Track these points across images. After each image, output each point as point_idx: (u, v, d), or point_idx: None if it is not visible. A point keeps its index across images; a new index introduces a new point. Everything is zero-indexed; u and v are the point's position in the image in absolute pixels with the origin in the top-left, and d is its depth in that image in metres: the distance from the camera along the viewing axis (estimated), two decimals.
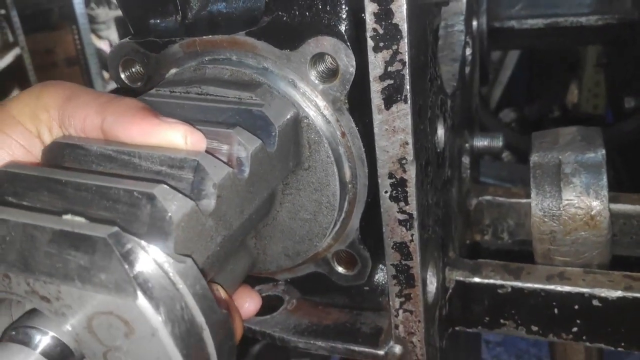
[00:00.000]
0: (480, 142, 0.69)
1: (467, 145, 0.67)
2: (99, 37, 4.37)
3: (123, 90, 0.48)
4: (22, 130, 0.38)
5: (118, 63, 0.46)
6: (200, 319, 0.29)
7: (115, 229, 0.27)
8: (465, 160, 0.67)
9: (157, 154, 0.33)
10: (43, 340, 0.29)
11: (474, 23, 0.67)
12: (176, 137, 0.35)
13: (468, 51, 0.65)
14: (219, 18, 0.47)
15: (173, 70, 0.44)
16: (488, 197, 0.66)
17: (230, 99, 0.39)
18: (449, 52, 0.60)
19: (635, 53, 1.04)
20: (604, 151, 0.53)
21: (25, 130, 0.38)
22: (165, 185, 0.30)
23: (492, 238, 0.67)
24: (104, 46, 4.34)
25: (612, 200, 0.63)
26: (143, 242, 0.28)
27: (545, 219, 0.53)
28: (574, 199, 0.52)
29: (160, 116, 0.37)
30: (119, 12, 4.51)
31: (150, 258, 0.28)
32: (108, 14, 4.54)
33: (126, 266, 0.26)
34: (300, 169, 0.43)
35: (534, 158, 0.55)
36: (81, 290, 0.27)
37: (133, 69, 0.46)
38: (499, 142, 0.69)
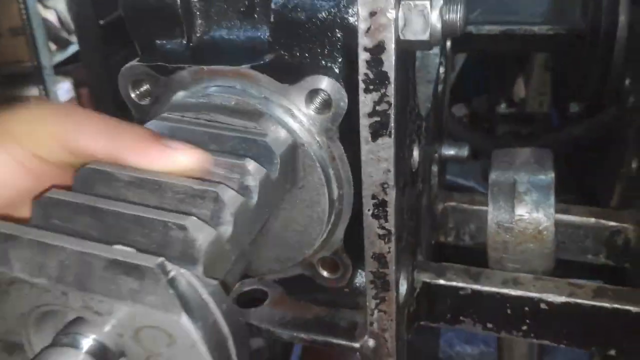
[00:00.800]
0: (448, 152, 0.76)
1: (436, 155, 0.74)
2: (45, 6, 4.22)
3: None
4: (18, 148, 0.40)
5: (128, 82, 0.51)
6: (226, 330, 0.35)
7: (161, 259, 0.33)
8: (434, 168, 0.73)
9: (181, 183, 0.39)
10: (89, 343, 0.34)
11: (448, 44, 0.73)
12: (183, 161, 0.40)
13: (442, 69, 0.71)
14: (221, 44, 0.51)
15: (181, 93, 0.49)
16: (453, 204, 0.73)
17: (236, 127, 0.45)
18: (424, 73, 0.66)
19: (581, 62, 1.12)
20: (553, 174, 0.61)
21: (22, 149, 0.41)
22: (195, 218, 0.36)
23: (455, 239, 0.75)
24: (51, 16, 4.21)
25: (562, 211, 0.71)
26: (181, 269, 0.34)
27: (500, 231, 0.60)
28: (525, 215, 0.60)
29: (167, 141, 0.41)
30: None
31: (187, 281, 0.34)
32: None
33: (171, 291, 0.32)
34: (295, 188, 0.49)
35: (493, 176, 0.62)
36: (132, 308, 0.33)
37: (142, 89, 0.51)
38: (464, 152, 0.76)
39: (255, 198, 0.42)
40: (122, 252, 0.34)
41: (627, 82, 0.81)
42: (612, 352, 0.61)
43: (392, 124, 0.45)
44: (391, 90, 0.43)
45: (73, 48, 4.48)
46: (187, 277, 0.34)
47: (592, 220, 0.70)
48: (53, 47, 4.23)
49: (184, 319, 0.32)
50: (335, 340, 0.57)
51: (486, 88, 2.06)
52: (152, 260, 0.33)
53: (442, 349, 1.41)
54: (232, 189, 0.40)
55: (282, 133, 0.46)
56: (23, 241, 0.35)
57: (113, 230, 0.36)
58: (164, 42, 0.52)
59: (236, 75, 0.48)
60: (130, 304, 0.33)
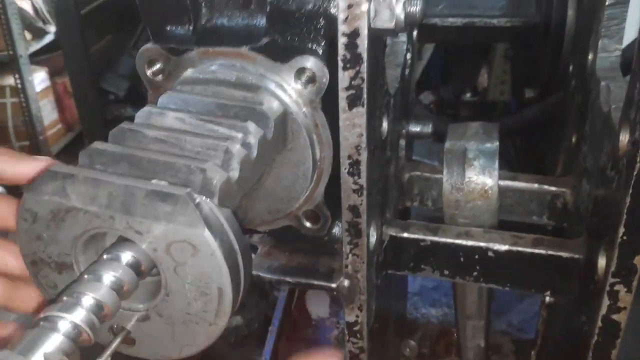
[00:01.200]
0: (414, 128, 0.88)
1: (403, 131, 0.86)
2: None
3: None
4: None
5: (145, 61, 0.61)
6: (236, 245, 0.46)
7: (189, 189, 0.43)
8: (402, 142, 0.85)
9: (198, 140, 0.49)
10: (128, 258, 0.45)
11: (414, 33, 0.84)
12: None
13: (408, 55, 0.83)
14: (222, 29, 0.62)
15: (190, 70, 0.59)
16: (418, 173, 0.85)
17: (238, 97, 0.55)
18: (393, 58, 0.77)
19: (535, 51, 1.25)
20: (497, 142, 0.73)
21: None
22: (211, 163, 0.47)
23: (419, 205, 0.86)
24: (26, 5, 4.22)
25: (510, 178, 0.83)
26: (203, 197, 0.45)
27: (452, 191, 0.72)
28: (474, 177, 0.72)
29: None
30: None
31: (208, 207, 0.45)
32: None
33: (197, 212, 0.43)
34: (285, 149, 0.59)
35: (447, 145, 0.74)
36: (167, 226, 0.43)
37: (156, 67, 0.61)
38: (428, 129, 0.88)
39: (255, 153, 0.53)
40: (158, 185, 0.44)
41: (570, 68, 0.93)
42: (548, 293, 0.73)
43: (365, 96, 0.56)
44: (364, 68, 0.54)
45: (48, 37, 4.49)
46: (208, 204, 0.45)
47: (535, 185, 0.82)
48: (29, 36, 4.24)
49: (207, 233, 0.43)
50: (316, 282, 0.68)
51: (452, 78, 2.20)
52: (183, 190, 0.43)
53: (409, 312, 1.54)
54: (238, 144, 0.51)
55: (275, 103, 0.57)
56: (78, 178, 0.45)
57: (147, 172, 0.47)
58: (173, 28, 0.62)
59: (237, 56, 0.58)
60: (164, 223, 0.43)
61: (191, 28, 0.61)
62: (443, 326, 0.99)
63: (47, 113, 4.09)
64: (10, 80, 3.91)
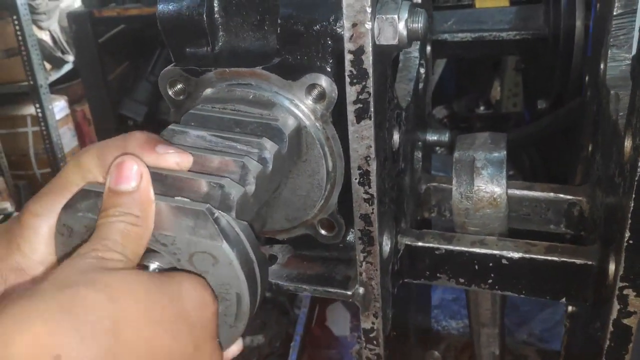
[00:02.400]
0: (431, 137, 0.94)
1: (419, 142, 0.92)
2: (40, 27, 4.45)
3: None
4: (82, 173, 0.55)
5: (167, 82, 0.69)
6: (252, 255, 0.53)
7: (208, 205, 0.51)
8: (418, 154, 0.91)
9: (218, 157, 0.57)
10: (157, 265, 0.52)
11: (428, 48, 0.91)
12: (170, 164, 0.56)
13: (422, 70, 0.89)
14: (238, 50, 0.69)
15: (209, 90, 0.67)
16: (435, 184, 0.91)
17: (255, 114, 0.63)
18: (406, 72, 0.84)
19: (545, 63, 1.31)
20: (505, 152, 0.78)
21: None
22: (229, 179, 0.55)
23: (437, 215, 0.92)
24: (45, 37, 4.44)
25: (527, 188, 0.88)
26: (220, 212, 0.52)
27: (462, 200, 0.78)
28: (482, 185, 0.77)
29: (161, 147, 0.56)
30: (59, 3, 4.60)
31: (226, 221, 0.51)
32: (48, 5, 4.61)
33: (216, 226, 0.50)
34: (300, 161, 0.66)
35: (456, 155, 0.80)
36: (189, 239, 0.50)
37: (177, 87, 0.69)
38: (445, 137, 0.94)
39: (270, 167, 0.60)
40: (182, 200, 0.52)
41: (586, 78, 0.99)
42: (563, 299, 0.78)
43: (372, 109, 0.62)
44: (370, 82, 0.61)
45: (67, 67, 4.71)
46: (226, 218, 0.52)
47: (552, 194, 0.87)
48: (48, 66, 4.46)
49: (225, 245, 0.51)
50: (332, 290, 0.74)
51: (464, 92, 2.27)
52: (203, 206, 0.51)
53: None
54: (254, 159, 0.58)
55: (290, 119, 0.64)
56: None
57: (172, 188, 0.54)
58: (193, 50, 0.70)
59: (252, 75, 0.66)
60: (187, 236, 0.51)
61: (209, 50, 0.69)
62: (467, 337, 1.03)
63: (67, 140, 4.28)
64: (31, 110, 4.10)
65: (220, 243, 0.50)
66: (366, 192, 0.67)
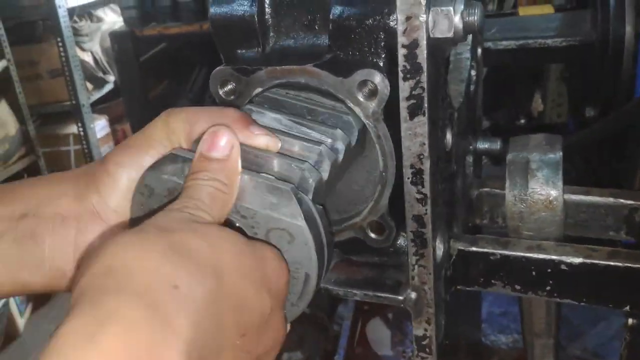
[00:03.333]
0: (482, 145, 0.92)
1: (470, 147, 0.90)
2: (82, 49, 4.62)
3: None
4: (158, 150, 0.58)
5: (218, 82, 0.69)
6: (324, 239, 0.55)
7: (292, 185, 0.53)
8: (469, 159, 0.89)
9: (295, 141, 0.59)
10: None
11: (479, 50, 0.90)
12: (261, 145, 0.58)
13: (473, 72, 0.88)
14: (288, 50, 0.70)
15: (259, 89, 0.67)
16: (487, 189, 0.89)
17: (327, 105, 0.65)
18: (457, 74, 0.83)
19: (593, 70, 1.28)
20: (561, 153, 0.76)
21: (161, 150, 0.59)
22: (308, 163, 0.57)
23: (490, 222, 0.90)
24: (87, 58, 4.60)
25: (584, 193, 0.85)
26: (301, 193, 0.53)
27: (516, 203, 0.76)
28: (537, 188, 0.75)
29: (251, 126, 0.59)
30: (101, 25, 4.77)
31: (306, 202, 0.53)
32: (90, 27, 4.78)
33: (297, 206, 0.51)
34: (360, 156, 0.67)
35: (509, 157, 0.78)
36: (270, 214, 0.52)
37: (228, 87, 0.69)
38: (497, 145, 0.92)
39: (341, 157, 0.61)
40: (266, 177, 0.54)
41: None
42: (627, 308, 0.74)
43: (426, 105, 0.61)
44: (424, 77, 0.60)
45: (108, 87, 4.85)
46: (306, 200, 0.53)
47: (611, 199, 0.84)
48: (90, 86, 4.61)
49: (305, 225, 0.52)
50: (383, 294, 0.72)
51: (504, 104, 2.25)
52: (288, 185, 0.52)
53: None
54: (328, 148, 0.60)
55: (355, 115, 0.64)
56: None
57: (252, 164, 0.56)
58: (243, 51, 0.70)
59: (302, 73, 0.66)
60: (268, 212, 0.52)
61: (260, 50, 0.69)
62: (519, 351, 0.99)
63: None
64: (73, 129, 4.23)
65: (300, 223, 0.52)
66: (419, 192, 0.66)
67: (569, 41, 1.40)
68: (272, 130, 0.60)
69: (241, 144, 0.57)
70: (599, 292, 0.74)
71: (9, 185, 0.64)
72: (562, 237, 0.78)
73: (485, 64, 1.91)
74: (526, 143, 0.79)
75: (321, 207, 0.56)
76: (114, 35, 3.19)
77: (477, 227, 0.92)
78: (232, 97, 0.70)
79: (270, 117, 0.62)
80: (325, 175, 0.59)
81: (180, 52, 3.36)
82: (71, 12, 4.26)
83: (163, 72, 3.71)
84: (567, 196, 0.82)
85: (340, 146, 0.61)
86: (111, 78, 4.89)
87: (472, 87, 0.88)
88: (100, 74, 4.95)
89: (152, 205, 0.56)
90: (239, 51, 0.70)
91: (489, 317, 1.63)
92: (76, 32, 4.48)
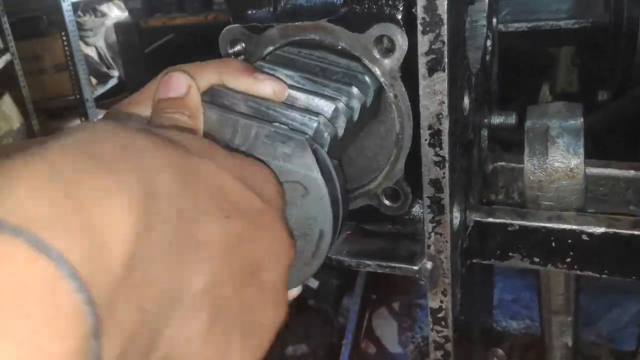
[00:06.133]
0: (497, 119, 0.89)
1: (485, 120, 0.87)
2: (87, 44, 4.61)
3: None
4: None
5: (227, 42, 0.67)
6: (340, 195, 0.52)
7: (308, 135, 0.50)
8: (484, 132, 0.87)
9: (309, 97, 0.56)
10: None
11: (494, 20, 0.87)
12: (267, 90, 0.56)
13: (489, 42, 0.85)
14: (301, 8, 0.67)
15: (270, 48, 0.65)
16: (502, 163, 0.86)
17: (342, 64, 0.61)
18: (473, 41, 0.80)
19: (606, 52, 1.26)
20: (582, 119, 0.73)
21: None
22: (323, 116, 0.54)
23: (505, 197, 0.87)
24: (91, 52, 4.60)
25: (603, 166, 0.83)
26: (317, 144, 0.49)
27: (535, 171, 0.73)
28: (557, 155, 0.72)
29: (256, 72, 0.56)
30: (105, 20, 4.77)
31: (321, 155, 0.50)
32: (95, 22, 4.77)
33: (313, 156, 0.48)
34: (375, 120, 0.64)
35: (528, 124, 0.75)
36: (284, 165, 0.49)
37: (237, 47, 0.67)
38: (512, 119, 0.89)
39: (356, 116, 0.58)
40: (280, 127, 0.50)
41: None
42: None
43: (446, 60, 0.59)
44: (444, 30, 0.57)
45: (112, 82, 4.84)
46: (322, 152, 0.50)
47: (632, 172, 0.81)
48: (94, 81, 4.59)
49: (320, 178, 0.49)
50: (397, 265, 0.70)
51: (511, 99, 2.23)
52: (303, 135, 0.49)
53: None
54: (344, 105, 0.57)
55: (371, 74, 0.61)
56: (210, 108, 0.52)
57: (266, 116, 0.53)
58: (254, 11, 0.68)
59: (316, 29, 0.63)
60: (282, 162, 0.49)
61: (271, 9, 0.67)
62: (532, 337, 0.96)
63: None
64: (77, 123, 4.20)
65: (315, 175, 0.49)
66: (437, 155, 0.63)
67: (582, 23, 1.37)
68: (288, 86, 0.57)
69: (250, 97, 0.54)
70: (621, 264, 0.71)
71: None
72: (584, 207, 0.75)
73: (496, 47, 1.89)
74: (545, 110, 0.76)
75: (337, 161, 0.53)
76: (119, 27, 3.18)
77: (491, 203, 0.89)
78: (242, 57, 0.67)
79: (282, 74, 0.59)
80: (340, 132, 0.56)
81: (186, 42, 3.33)
82: (75, 6, 4.25)
83: (168, 64, 3.69)
84: (586, 169, 0.79)
85: (356, 105, 0.58)
86: (115, 73, 4.88)
87: (487, 57, 0.85)
88: (104, 69, 4.94)
89: None
90: (250, 12, 0.68)
91: (500, 304, 1.60)
92: (80, 27, 4.47)
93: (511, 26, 1.41)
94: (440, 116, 0.61)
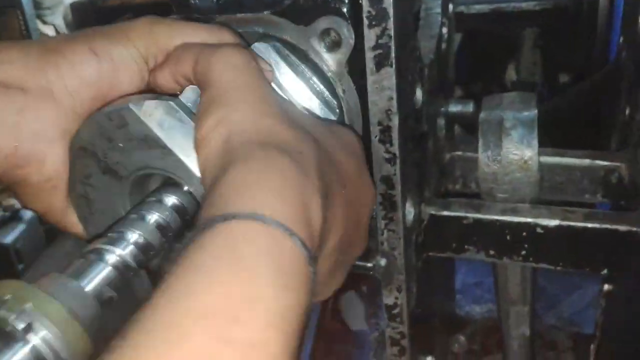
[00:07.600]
0: (454, 107, 0.88)
1: (442, 109, 0.86)
2: (44, 22, 4.45)
3: None
4: (137, 54, 0.55)
5: None
6: None
7: None
8: (440, 121, 0.85)
9: None
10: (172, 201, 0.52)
11: (450, 6, 0.86)
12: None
13: (444, 30, 0.83)
14: (244, 1, 0.64)
15: None
16: (459, 152, 0.85)
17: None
18: (428, 30, 0.78)
19: (567, 35, 1.26)
20: (536, 111, 0.72)
21: (139, 55, 0.55)
22: None
23: (462, 187, 0.86)
24: (49, 31, 4.45)
25: (559, 155, 0.82)
26: None
27: (489, 163, 0.72)
28: (512, 147, 0.71)
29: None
30: None
31: None
32: (53, 0, 4.62)
33: None
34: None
35: (482, 115, 0.74)
36: None
37: None
38: (469, 108, 0.88)
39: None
40: None
41: (621, 39, 0.93)
42: (605, 271, 0.72)
43: (393, 55, 0.57)
44: (391, 24, 0.55)
45: None
46: None
47: (587, 161, 0.81)
48: None
49: None
50: None
51: (478, 77, 2.24)
52: None
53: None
54: None
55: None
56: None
57: None
58: (197, 2, 0.65)
59: (259, 21, 0.60)
60: None
61: (214, 1, 0.64)
62: (495, 321, 0.98)
63: None
64: None
65: None
66: (387, 151, 0.61)
67: (543, 5, 1.37)
68: None
69: None
70: (576, 256, 0.71)
71: None
72: (537, 199, 0.74)
73: (458, 29, 1.88)
74: (500, 101, 0.75)
75: None
76: (75, 7, 3.06)
77: (449, 193, 0.88)
78: None
79: None
80: None
81: (139, 9, 3.25)
82: None
83: None
84: (542, 158, 0.78)
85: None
86: None
87: (443, 45, 0.83)
88: None
89: (116, 137, 0.52)
90: (192, 2, 0.65)
91: (463, 288, 1.62)
92: (37, 5, 4.31)
93: (473, 8, 1.41)
94: (390, 112, 0.59)
